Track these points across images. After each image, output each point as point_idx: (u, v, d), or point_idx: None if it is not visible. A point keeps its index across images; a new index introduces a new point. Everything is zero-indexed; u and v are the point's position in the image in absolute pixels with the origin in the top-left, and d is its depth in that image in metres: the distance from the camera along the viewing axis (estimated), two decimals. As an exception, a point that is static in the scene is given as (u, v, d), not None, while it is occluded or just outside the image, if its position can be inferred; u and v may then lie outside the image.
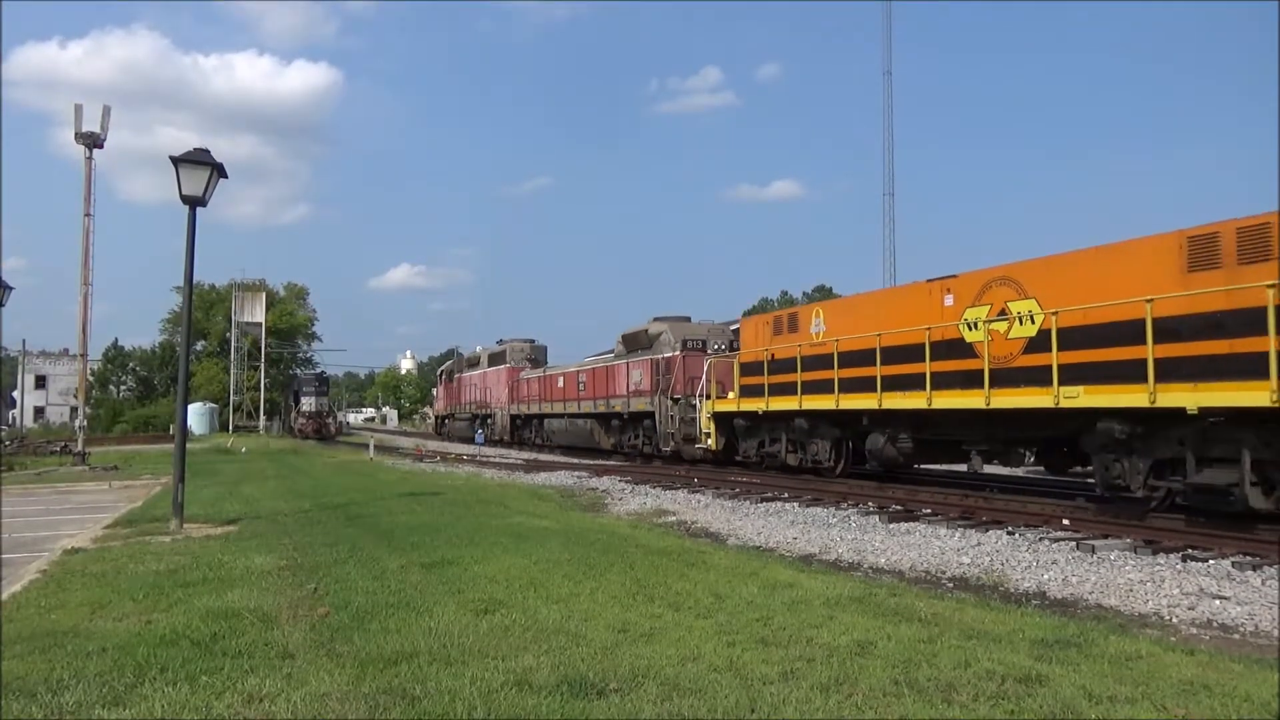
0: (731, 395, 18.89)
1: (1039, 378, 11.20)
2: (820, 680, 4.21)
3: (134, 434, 54.21)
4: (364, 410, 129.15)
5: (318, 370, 68.42)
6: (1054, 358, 10.83)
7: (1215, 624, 6.04)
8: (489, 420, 38.89)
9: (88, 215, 27.41)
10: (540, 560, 7.60)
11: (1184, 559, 8.19)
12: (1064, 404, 10.75)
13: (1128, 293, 10.21)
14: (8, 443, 36.12)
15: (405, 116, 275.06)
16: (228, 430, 58.30)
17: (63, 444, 33.09)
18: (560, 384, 30.85)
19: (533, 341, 38.62)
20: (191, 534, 9.60)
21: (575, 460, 24.57)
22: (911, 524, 10.73)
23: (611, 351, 27.87)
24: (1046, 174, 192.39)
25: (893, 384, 13.93)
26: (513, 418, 36.16)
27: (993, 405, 11.90)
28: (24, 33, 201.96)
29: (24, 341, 65.09)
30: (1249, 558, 7.97)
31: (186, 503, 10.35)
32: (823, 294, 75.48)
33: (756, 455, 18.58)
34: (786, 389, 16.70)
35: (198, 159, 10.23)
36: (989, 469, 14.55)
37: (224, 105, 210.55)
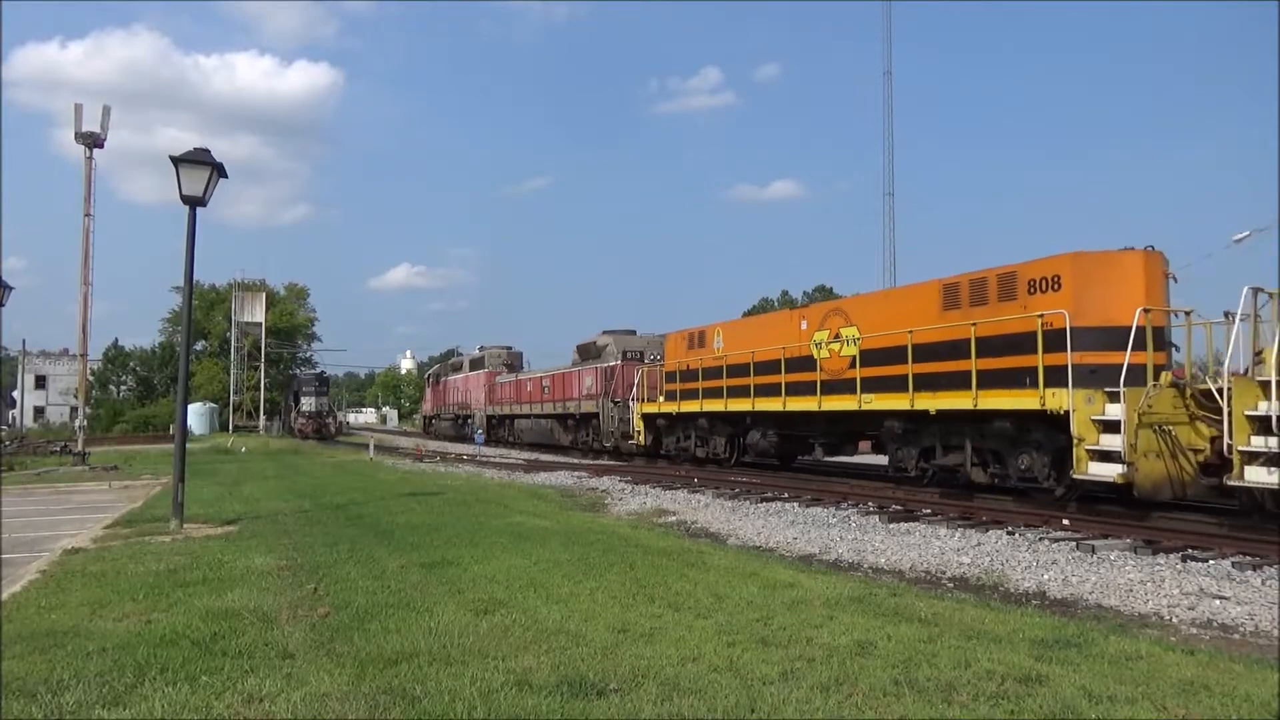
0: (661, 399, 22.31)
1: (873, 384, 14.55)
2: (820, 680, 4.22)
3: (134, 434, 54.18)
4: (364, 410, 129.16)
5: (318, 370, 68.42)
6: (858, 372, 14.82)
7: (1215, 624, 6.04)
8: (469, 420, 42.70)
9: (88, 215, 27.38)
10: (540, 560, 7.60)
11: (1184, 559, 8.19)
12: (864, 407, 14.58)
13: (906, 324, 13.75)
14: (8, 443, 36.12)
15: (405, 117, 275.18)
16: (228, 430, 58.27)
17: (63, 444, 33.05)
18: (529, 388, 34.90)
19: (509, 349, 42.71)
20: (191, 534, 9.60)
21: (575, 460, 24.67)
22: (911, 524, 10.73)
23: (570, 360, 31.78)
24: (1047, 174, 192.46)
25: (762, 391, 17.59)
26: (489, 418, 39.88)
27: (823, 408, 15.67)
28: (24, 33, 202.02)
29: (24, 341, 65.15)
30: (1249, 558, 7.97)
31: (186, 503, 10.35)
32: (823, 294, 75.44)
33: (675, 449, 21.92)
34: (694, 394, 20.51)
35: (198, 159, 10.23)
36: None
37: (225, 106, 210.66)
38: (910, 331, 13.48)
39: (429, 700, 3.93)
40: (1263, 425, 9.00)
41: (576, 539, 9.02)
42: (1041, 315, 11.28)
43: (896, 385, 13.80)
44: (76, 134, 26.55)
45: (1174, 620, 6.15)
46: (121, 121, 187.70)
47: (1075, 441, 10.58)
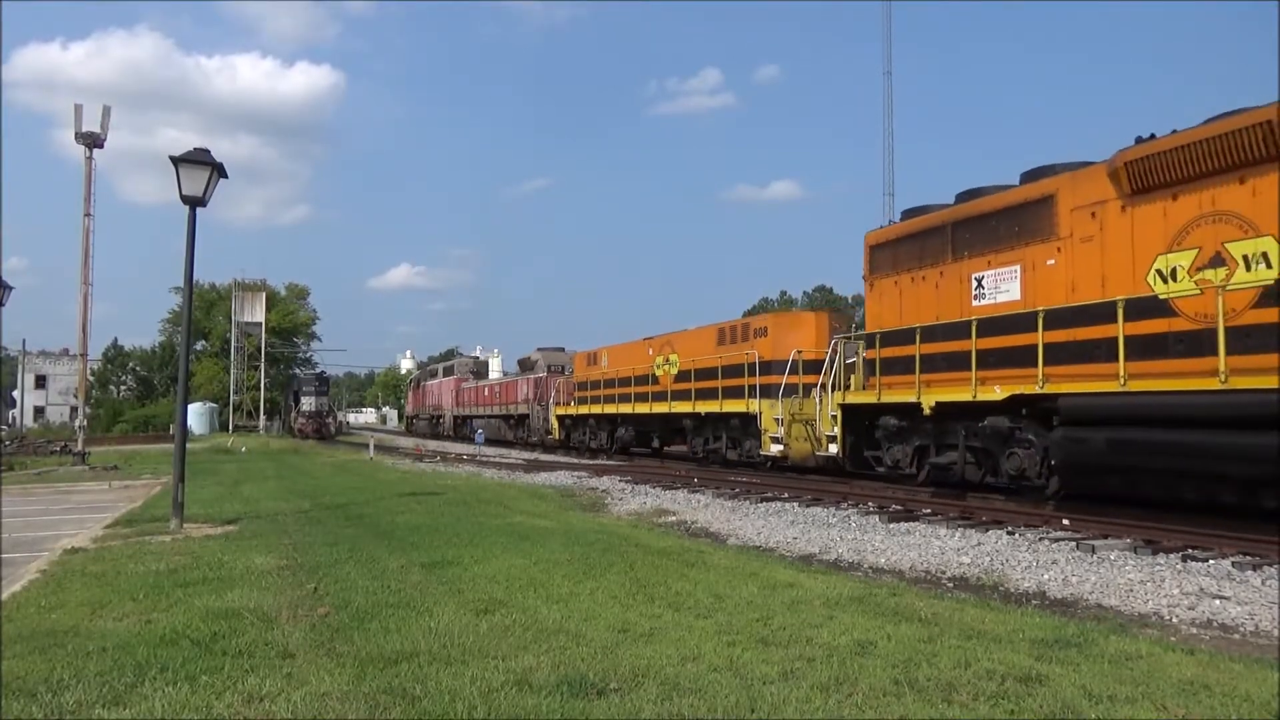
0: (570, 404, 30.48)
1: (679, 395, 22.74)
2: (820, 680, 4.21)
3: (134, 434, 54.16)
4: (364, 410, 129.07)
5: (318, 370, 68.50)
6: (673, 386, 23.10)
7: (1215, 624, 6.03)
8: (441, 419, 50.62)
9: (88, 215, 27.39)
10: (540, 560, 7.60)
11: (1184, 559, 8.18)
12: (673, 410, 22.81)
13: (698, 355, 21.98)
14: (8, 442, 36.10)
15: (406, 118, 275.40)
16: (228, 430, 58.27)
17: (63, 444, 33.04)
18: (485, 393, 43.03)
19: (476, 358, 53.01)
20: (191, 534, 9.59)
21: (575, 460, 24.86)
22: (911, 524, 10.72)
23: (515, 371, 42.02)
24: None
25: (626, 399, 25.75)
26: (455, 418, 47.94)
27: (654, 411, 24.01)
28: (26, 33, 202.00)
29: (24, 341, 65.02)
30: (1249, 558, 7.97)
31: (186, 502, 10.35)
32: (823, 294, 75.54)
33: (576, 441, 30.09)
34: (586, 400, 28.81)
35: (198, 159, 10.22)
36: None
37: (226, 106, 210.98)
38: (693, 360, 22.05)
39: (429, 700, 3.93)
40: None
41: (576, 539, 9.01)
42: (749, 352, 19.07)
43: (688, 396, 22.16)
44: (76, 134, 26.55)
45: (1174, 620, 6.15)
46: (123, 122, 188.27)
47: (762, 432, 18.38)
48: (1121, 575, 7.51)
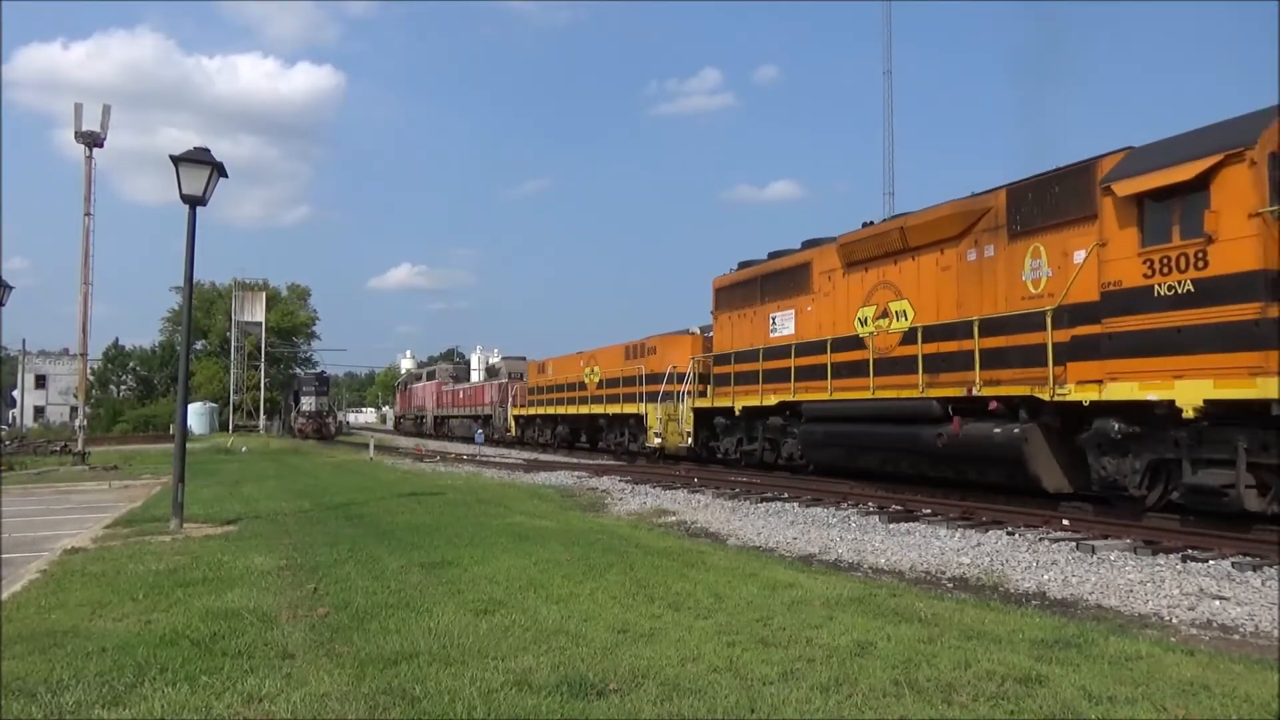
0: (525, 406, 36.12)
1: (597, 400, 27.99)
2: (820, 680, 4.21)
3: (134, 434, 54.15)
4: (364, 410, 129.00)
5: (318, 370, 68.49)
6: (592, 392, 28.49)
7: (1215, 624, 6.03)
8: (423, 419, 56.13)
9: (88, 215, 27.39)
10: (540, 560, 7.60)
11: (1184, 559, 8.18)
12: (592, 410, 28.23)
13: (611, 367, 26.98)
14: (8, 442, 36.09)
15: (407, 118, 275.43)
16: (228, 430, 58.27)
17: (63, 444, 33.05)
18: (460, 396, 48.64)
19: (455, 363, 62.29)
20: (191, 534, 9.59)
21: (575, 460, 24.95)
22: (911, 524, 10.72)
23: (490, 374, 49.61)
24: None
25: (563, 401, 31.21)
26: (435, 418, 53.29)
27: (581, 412, 29.30)
28: (27, 33, 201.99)
29: (24, 341, 65.01)
30: (1249, 558, 7.96)
31: (186, 503, 10.35)
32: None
33: (528, 438, 35.55)
34: (537, 403, 34.57)
35: (198, 158, 10.22)
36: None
37: (227, 107, 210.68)
38: (608, 372, 27.47)
39: (429, 700, 3.93)
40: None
41: (576, 539, 9.01)
42: (639, 367, 24.61)
43: (605, 400, 27.52)
44: (76, 133, 26.55)
45: (1174, 621, 6.14)
46: (124, 122, 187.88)
47: (648, 429, 23.37)
48: (1121, 576, 7.51)
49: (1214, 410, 9.12)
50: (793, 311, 17.24)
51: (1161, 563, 8.07)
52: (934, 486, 13.68)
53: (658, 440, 22.73)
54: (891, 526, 10.64)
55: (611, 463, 23.40)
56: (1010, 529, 10.15)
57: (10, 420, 59.55)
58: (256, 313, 67.42)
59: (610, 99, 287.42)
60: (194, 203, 10.28)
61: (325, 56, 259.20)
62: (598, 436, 29.12)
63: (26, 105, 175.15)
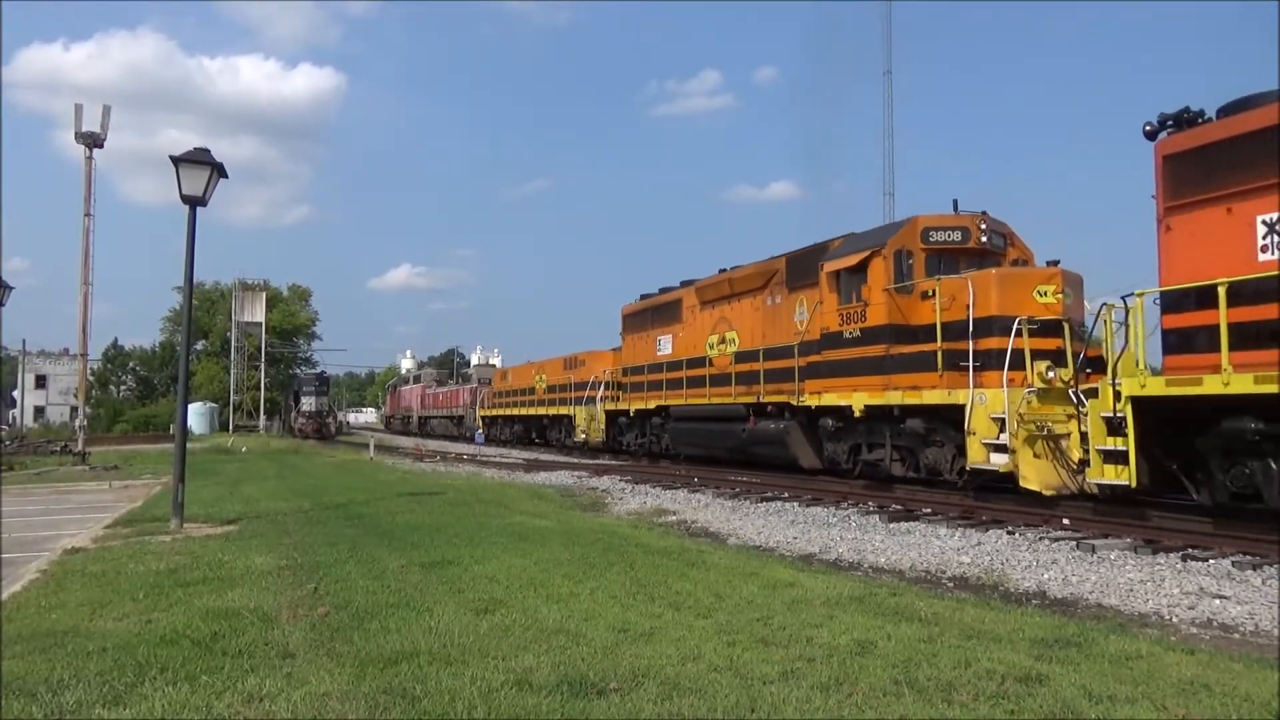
0: (491, 408, 41.26)
1: (542, 403, 33.67)
2: (820, 680, 4.21)
3: (134, 434, 54.14)
4: (364, 410, 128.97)
5: (318, 370, 68.57)
6: (540, 395, 34.24)
7: (1215, 623, 6.03)
8: (409, 419, 61.57)
9: (88, 215, 27.39)
10: (540, 560, 7.60)
11: (1184, 559, 8.18)
12: (538, 412, 34.22)
13: (553, 376, 32.78)
14: (8, 442, 36.09)
15: (407, 119, 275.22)
16: (228, 430, 58.26)
17: (63, 444, 33.03)
18: (440, 398, 54.22)
19: (439, 368, 69.70)
20: (191, 534, 9.60)
21: (575, 460, 24.99)
22: (911, 524, 10.72)
23: (463, 379, 56.50)
24: (1048, 174, 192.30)
25: (520, 404, 37.00)
26: (419, 419, 58.58)
27: (530, 413, 35.17)
28: (28, 34, 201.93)
29: (24, 341, 64.96)
30: (1249, 557, 7.96)
31: (186, 502, 10.35)
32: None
33: (492, 436, 39.42)
34: (500, 405, 40.03)
35: (198, 159, 10.22)
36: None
37: (228, 108, 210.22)
38: (551, 379, 32.81)
39: (429, 700, 3.93)
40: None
41: (576, 538, 9.01)
42: (570, 376, 30.06)
43: (548, 403, 32.72)
44: (76, 134, 26.56)
45: (1174, 620, 6.14)
46: (125, 123, 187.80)
47: (576, 427, 28.35)
48: (1121, 575, 7.51)
49: (871, 412, 14.00)
50: (670, 336, 22.56)
51: (1162, 562, 8.08)
52: (741, 467, 18.59)
53: (583, 436, 27.92)
54: (891, 526, 10.64)
55: (612, 462, 23.42)
56: (1010, 528, 10.15)
57: (10, 420, 59.53)
58: (257, 313, 67.39)
59: (610, 99, 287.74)
60: (194, 203, 10.28)
61: (326, 58, 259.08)
62: (544, 434, 34.10)
63: (27, 106, 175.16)
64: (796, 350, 16.08)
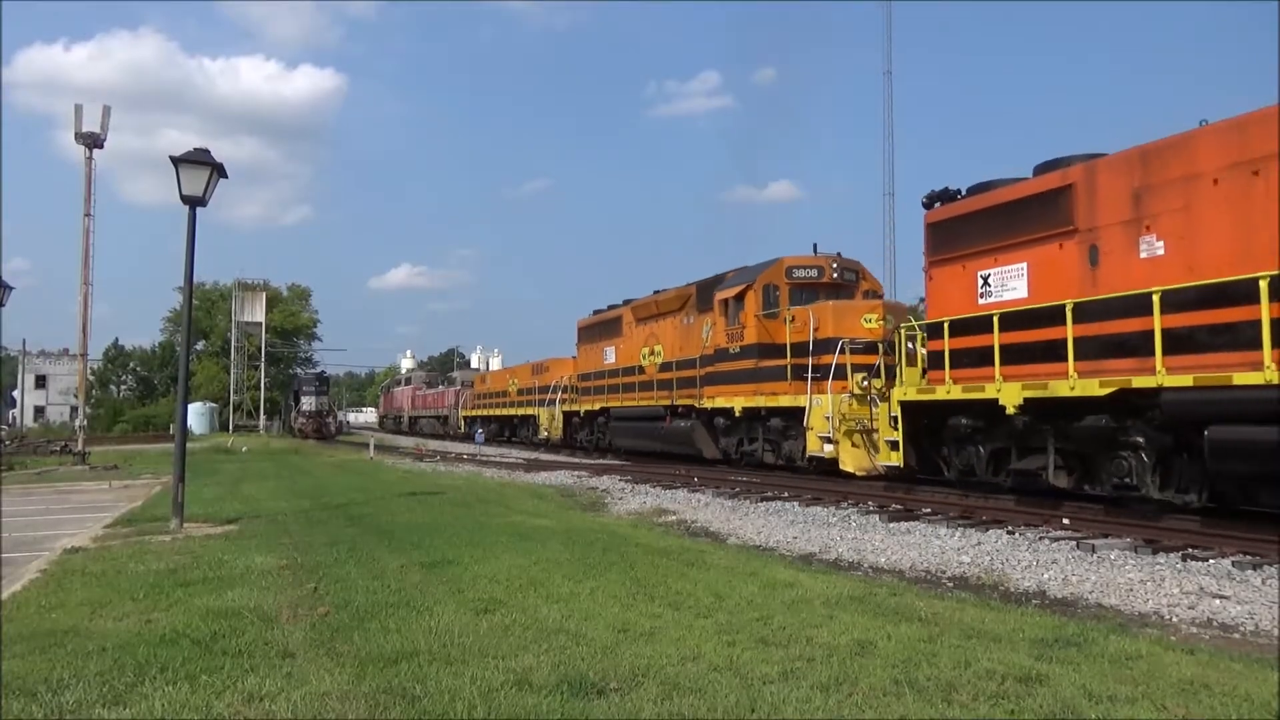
0: (471, 409, 45.39)
1: (514, 404, 37.93)
2: (820, 680, 4.21)
3: (134, 434, 54.17)
4: (364, 410, 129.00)
5: (318, 370, 68.67)
6: (512, 397, 38.43)
7: (1215, 623, 6.03)
8: (400, 420, 65.01)
9: (88, 215, 27.41)
10: (540, 560, 7.60)
11: (1184, 558, 8.18)
12: (511, 413, 38.28)
13: (523, 380, 37.29)
14: (8, 442, 36.08)
15: (407, 119, 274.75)
16: (228, 430, 58.27)
17: (63, 443, 33.01)
18: (428, 399, 57.91)
19: (431, 370, 73.33)
20: (191, 533, 9.60)
21: (575, 460, 25.01)
22: (911, 523, 10.72)
23: (448, 382, 58.05)
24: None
25: (496, 405, 40.97)
26: (410, 418, 62.05)
27: (504, 414, 39.68)
28: (29, 34, 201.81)
29: (24, 341, 65.01)
30: (1249, 557, 7.96)
31: (187, 502, 10.35)
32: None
33: (471, 434, 41.74)
34: (479, 406, 44.01)
35: (197, 159, 10.22)
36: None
37: (229, 108, 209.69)
38: (521, 383, 36.76)
39: (429, 700, 3.93)
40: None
41: (576, 538, 9.01)
42: (536, 380, 34.46)
43: (518, 404, 36.68)
44: (76, 134, 26.57)
45: (1174, 620, 6.14)
46: (125, 123, 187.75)
47: (540, 426, 32.92)
48: (1121, 575, 7.51)
49: (748, 413, 18.08)
50: (614, 347, 25.88)
51: (1162, 562, 8.07)
52: (662, 459, 21.89)
53: (545, 433, 32.00)
54: (891, 526, 10.63)
55: (612, 462, 23.42)
56: (1010, 528, 10.14)
57: (10, 420, 59.51)
58: (257, 313, 67.41)
59: (610, 100, 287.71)
60: (194, 203, 10.28)
61: (326, 58, 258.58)
62: (515, 432, 38.02)
63: (27, 106, 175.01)
64: (699, 362, 20.11)
